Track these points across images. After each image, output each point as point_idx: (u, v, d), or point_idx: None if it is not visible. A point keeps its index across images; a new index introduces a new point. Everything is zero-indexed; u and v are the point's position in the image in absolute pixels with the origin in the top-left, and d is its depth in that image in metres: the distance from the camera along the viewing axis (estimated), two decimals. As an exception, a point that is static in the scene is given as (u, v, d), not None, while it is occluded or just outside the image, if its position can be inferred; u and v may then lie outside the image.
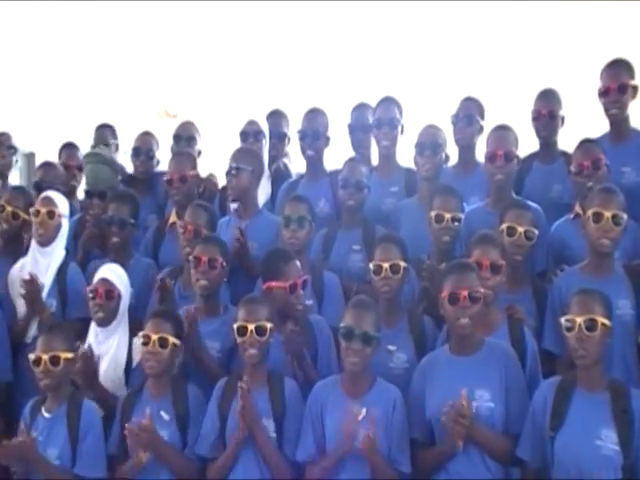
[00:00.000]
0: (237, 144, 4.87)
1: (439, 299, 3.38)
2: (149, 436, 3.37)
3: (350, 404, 3.29)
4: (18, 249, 4.35)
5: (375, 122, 4.54)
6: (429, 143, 4.25)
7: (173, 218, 4.45)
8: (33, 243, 4.23)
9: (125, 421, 3.49)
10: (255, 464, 3.38)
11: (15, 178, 6.24)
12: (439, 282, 3.43)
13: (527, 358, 3.41)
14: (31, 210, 4.25)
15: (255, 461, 3.38)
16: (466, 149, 4.47)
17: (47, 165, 4.93)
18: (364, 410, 3.23)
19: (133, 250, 4.37)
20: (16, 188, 4.69)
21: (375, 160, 4.67)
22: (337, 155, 4.70)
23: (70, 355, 3.56)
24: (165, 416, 3.50)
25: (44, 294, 4.11)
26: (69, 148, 5.13)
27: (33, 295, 4.03)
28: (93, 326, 3.87)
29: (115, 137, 5.32)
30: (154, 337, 3.49)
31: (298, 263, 3.72)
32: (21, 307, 4.13)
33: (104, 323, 3.83)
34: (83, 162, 4.92)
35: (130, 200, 4.37)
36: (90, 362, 3.67)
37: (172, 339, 3.51)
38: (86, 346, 3.73)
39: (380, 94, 4.70)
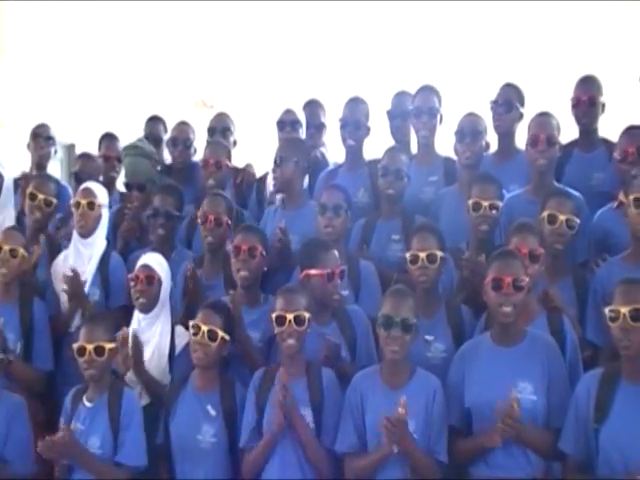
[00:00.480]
0: (274, 134, 4.89)
1: (480, 288, 3.35)
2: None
3: (390, 395, 3.28)
4: (47, 233, 4.43)
5: (414, 111, 4.51)
6: (469, 130, 4.21)
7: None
8: (74, 234, 4.27)
9: (169, 410, 3.53)
10: (293, 454, 3.38)
11: (55, 169, 6.33)
12: (480, 272, 3.39)
13: (567, 348, 3.38)
14: (71, 202, 4.29)
15: (293, 451, 3.38)
16: (505, 136, 4.42)
17: (85, 156, 4.98)
18: (403, 397, 3.19)
19: (176, 243, 4.38)
20: (42, 176, 4.73)
21: (414, 148, 4.63)
22: (375, 143, 4.68)
23: (113, 345, 3.60)
24: (212, 411, 3.51)
25: (87, 284, 4.15)
26: (108, 139, 5.15)
27: (75, 289, 4.07)
28: (136, 314, 3.90)
29: (165, 130, 5.31)
30: (204, 328, 3.50)
31: (336, 253, 3.70)
32: (64, 298, 4.17)
33: (146, 309, 3.86)
34: (122, 154, 4.95)
35: (175, 192, 4.38)
36: (139, 347, 3.71)
37: (221, 333, 3.52)
38: (131, 332, 3.76)
39: (420, 82, 4.66)
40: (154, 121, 5.32)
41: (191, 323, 3.55)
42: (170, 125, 5.21)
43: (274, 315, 3.46)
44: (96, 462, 3.47)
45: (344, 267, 3.72)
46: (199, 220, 4.11)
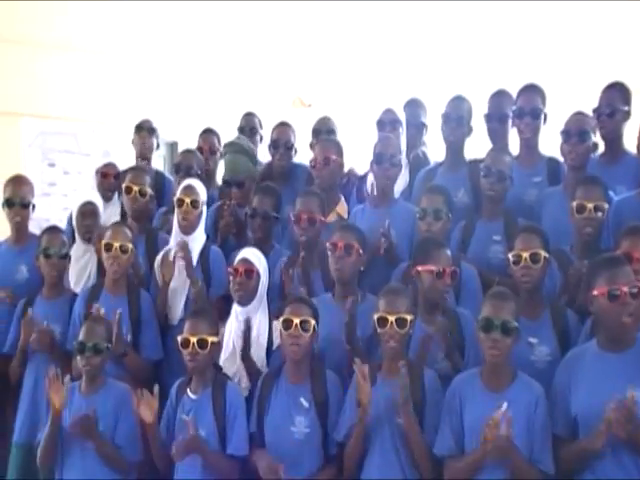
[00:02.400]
0: (373, 133, 4.88)
1: (588, 295, 3.27)
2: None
3: (490, 399, 3.23)
4: (148, 226, 4.57)
5: (517, 112, 4.42)
6: (576, 130, 4.11)
7: None
8: (176, 229, 4.35)
9: (263, 402, 3.58)
10: (393, 451, 3.38)
11: (158, 167, 6.48)
12: (588, 278, 3.32)
13: None
14: (174, 199, 4.38)
15: (393, 447, 3.38)
16: (612, 138, 4.30)
17: (186, 151, 5.07)
18: (505, 404, 3.15)
19: (273, 242, 4.42)
20: (136, 168, 4.86)
21: (514, 149, 4.54)
22: (472, 146, 4.63)
23: (215, 339, 3.67)
24: (304, 403, 3.55)
25: None
26: (206, 133, 5.24)
27: (187, 261, 4.16)
28: (234, 307, 3.97)
29: (261, 126, 5.40)
30: (296, 320, 3.53)
31: (449, 252, 3.69)
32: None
33: (244, 302, 3.92)
34: (222, 151, 5.02)
35: (273, 193, 4.43)
36: (248, 332, 3.79)
37: (313, 322, 3.55)
38: (244, 319, 3.84)
39: (521, 82, 4.58)
40: (249, 115, 5.40)
41: (281, 319, 3.59)
42: (267, 124, 5.28)
43: (376, 316, 3.46)
44: (211, 454, 3.56)
45: (456, 268, 3.69)
46: (293, 219, 4.14)
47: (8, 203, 4.62)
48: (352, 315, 3.65)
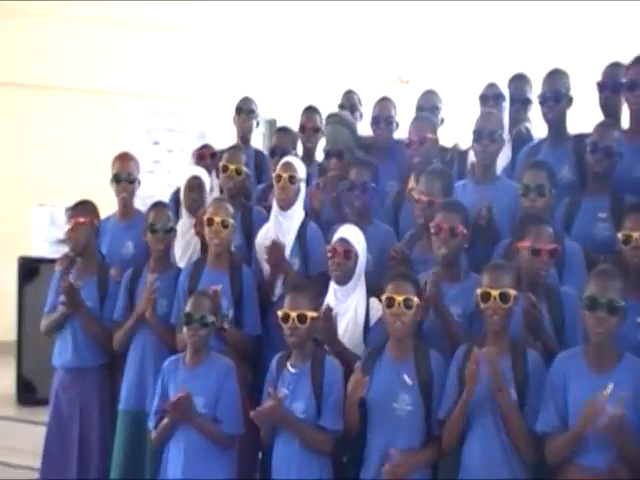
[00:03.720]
0: (477, 108, 4.81)
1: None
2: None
3: (595, 379, 3.17)
4: (241, 203, 4.62)
5: (627, 83, 4.27)
6: None
7: (412, 184, 4.44)
8: (274, 207, 4.41)
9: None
10: (494, 429, 3.34)
11: (258, 143, 6.57)
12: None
13: None
14: (273, 175, 4.43)
15: (494, 426, 3.34)
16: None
17: (281, 130, 5.11)
18: (610, 385, 3.08)
19: (372, 216, 4.41)
20: (232, 147, 4.92)
21: (625, 123, 4.40)
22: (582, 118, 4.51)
23: (315, 314, 3.69)
24: (408, 380, 3.53)
25: (287, 254, 4.28)
26: (309, 111, 5.23)
27: (277, 259, 4.21)
28: (332, 285, 3.98)
29: (361, 104, 5.40)
30: (399, 298, 3.52)
31: (550, 230, 3.62)
32: (267, 268, 4.33)
33: (342, 281, 3.93)
34: (323, 124, 5.01)
35: (370, 165, 4.42)
36: (331, 319, 3.79)
37: (416, 299, 3.54)
38: (325, 305, 3.85)
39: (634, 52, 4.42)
40: (350, 93, 5.44)
41: (383, 297, 3.57)
42: (366, 101, 5.26)
43: (479, 291, 3.43)
44: (301, 425, 3.60)
45: (555, 246, 3.62)
46: (414, 198, 4.11)
47: (115, 179, 4.77)
48: (436, 287, 3.63)
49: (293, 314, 3.64)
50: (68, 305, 4.40)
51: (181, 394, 3.70)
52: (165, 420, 3.80)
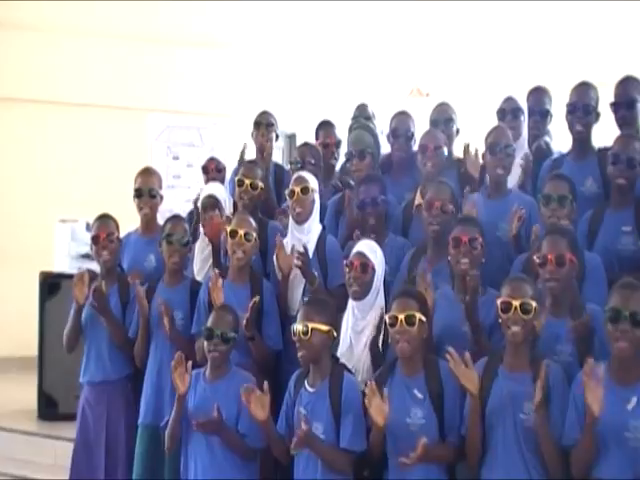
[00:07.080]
0: (494, 122, 4.80)
1: None
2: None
3: (619, 392, 3.13)
4: (257, 217, 4.55)
5: None
6: None
7: (418, 200, 4.39)
8: (291, 222, 4.41)
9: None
10: (515, 446, 3.31)
11: (277, 158, 6.58)
12: None
13: None
14: (286, 192, 4.43)
15: (515, 442, 3.31)
16: None
17: (304, 146, 5.09)
18: (634, 399, 3.05)
19: (387, 229, 4.40)
20: (249, 162, 4.93)
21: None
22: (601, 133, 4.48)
23: (326, 328, 3.60)
24: (418, 394, 3.50)
25: None
26: (326, 126, 5.24)
27: (306, 264, 4.18)
28: (350, 303, 3.95)
29: (374, 117, 5.40)
30: (400, 317, 3.48)
31: (566, 242, 3.57)
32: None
33: (359, 296, 3.89)
34: (347, 131, 5.04)
35: (376, 179, 4.44)
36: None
37: (419, 315, 3.49)
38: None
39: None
40: (362, 105, 5.45)
41: (386, 316, 3.54)
42: (386, 114, 5.25)
43: (499, 301, 3.39)
44: (325, 448, 3.53)
45: (562, 254, 3.52)
46: (423, 206, 4.11)
47: (137, 193, 4.79)
48: (474, 296, 3.58)
49: (300, 327, 3.58)
50: (97, 308, 4.41)
51: (213, 417, 3.65)
52: (173, 413, 3.78)
